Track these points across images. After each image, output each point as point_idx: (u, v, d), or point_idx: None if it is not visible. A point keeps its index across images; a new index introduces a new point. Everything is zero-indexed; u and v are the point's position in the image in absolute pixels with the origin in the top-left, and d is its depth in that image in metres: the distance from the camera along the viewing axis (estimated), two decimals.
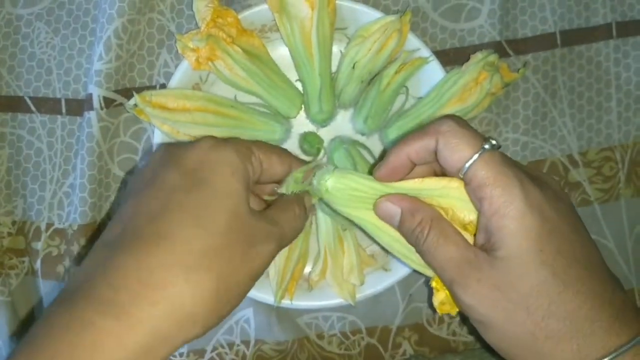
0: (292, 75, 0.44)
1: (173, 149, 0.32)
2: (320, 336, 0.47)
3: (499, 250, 0.29)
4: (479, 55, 0.42)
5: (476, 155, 0.30)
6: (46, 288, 0.46)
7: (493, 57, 0.42)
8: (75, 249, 0.45)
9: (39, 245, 0.46)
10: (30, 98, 0.47)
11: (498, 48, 0.46)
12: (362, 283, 0.44)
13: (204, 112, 0.42)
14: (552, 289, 0.29)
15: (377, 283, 0.45)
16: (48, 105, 0.47)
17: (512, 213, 0.29)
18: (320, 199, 0.37)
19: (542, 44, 0.46)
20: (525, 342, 0.29)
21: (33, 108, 0.47)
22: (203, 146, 0.31)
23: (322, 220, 0.44)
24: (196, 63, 0.42)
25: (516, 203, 0.29)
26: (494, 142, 0.30)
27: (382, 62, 0.43)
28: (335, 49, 0.44)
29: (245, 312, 0.47)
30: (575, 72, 0.47)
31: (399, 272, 0.45)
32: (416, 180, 0.33)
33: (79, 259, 0.45)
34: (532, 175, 0.31)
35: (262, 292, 0.44)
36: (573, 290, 0.29)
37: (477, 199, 0.31)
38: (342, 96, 0.44)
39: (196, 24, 0.43)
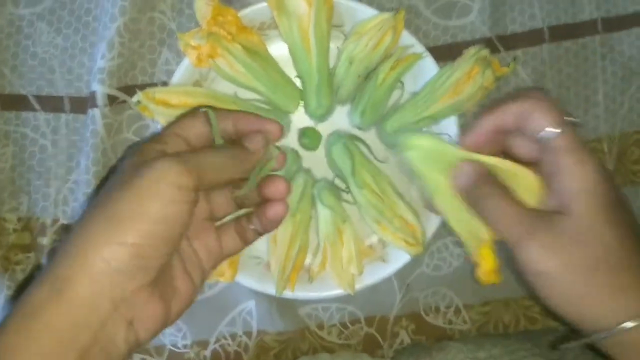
0: (291, 72, 0.46)
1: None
2: (320, 326, 0.48)
3: (572, 208, 0.33)
4: (471, 51, 0.44)
5: (560, 126, 0.33)
6: None
7: (485, 52, 0.44)
8: None
9: (44, 241, 0.47)
10: (33, 96, 0.48)
11: (489, 44, 0.47)
12: (361, 272, 0.45)
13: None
14: (616, 245, 0.32)
15: (375, 273, 0.46)
16: (52, 103, 0.47)
17: (589, 177, 0.33)
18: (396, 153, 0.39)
19: (531, 39, 0.48)
20: (581, 292, 0.32)
21: (37, 106, 0.48)
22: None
23: (322, 213, 0.46)
24: (197, 60, 0.43)
25: (592, 171, 0.33)
26: (578, 119, 0.35)
27: (377, 58, 0.44)
28: (332, 45, 0.45)
29: (248, 304, 0.48)
30: (563, 67, 0.49)
31: (396, 262, 0.46)
32: (495, 157, 0.36)
33: None
34: None
35: (263, 284, 0.45)
36: (632, 250, 0.33)
37: (554, 163, 0.34)
38: (340, 91, 0.45)
39: (196, 22, 0.44)
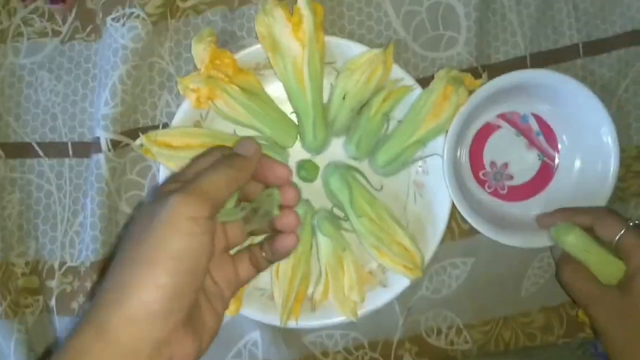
0: (287, 108, 0.47)
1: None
2: (325, 354, 0.49)
3: (633, 289, 0.42)
4: (441, 73, 0.46)
5: (623, 230, 0.43)
6: (62, 324, 0.48)
7: (454, 72, 0.46)
8: (89, 285, 0.47)
9: (53, 284, 0.48)
10: (37, 143, 0.49)
11: (475, 73, 0.49)
12: (363, 300, 0.47)
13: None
14: None
15: (376, 299, 0.47)
16: (55, 150, 0.49)
17: None
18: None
19: (515, 67, 0.50)
20: (629, 348, 0.42)
21: (41, 153, 0.49)
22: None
23: (322, 242, 0.47)
24: (197, 102, 0.45)
25: None
26: (637, 222, 0.44)
27: (370, 91, 0.46)
28: (326, 81, 0.47)
29: (253, 335, 0.49)
30: None
31: (397, 287, 0.47)
32: (592, 244, 0.45)
33: (93, 294, 0.47)
34: None
35: (268, 315, 0.46)
36: None
37: (626, 257, 0.43)
38: (335, 125, 0.47)
39: (194, 64, 0.46)
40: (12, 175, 0.49)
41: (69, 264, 0.48)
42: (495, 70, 0.50)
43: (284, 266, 0.46)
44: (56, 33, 0.49)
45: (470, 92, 0.46)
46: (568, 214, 0.47)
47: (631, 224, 0.44)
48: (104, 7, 0.48)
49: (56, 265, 0.48)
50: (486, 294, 0.50)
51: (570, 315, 0.51)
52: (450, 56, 0.49)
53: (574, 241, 0.44)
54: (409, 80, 0.47)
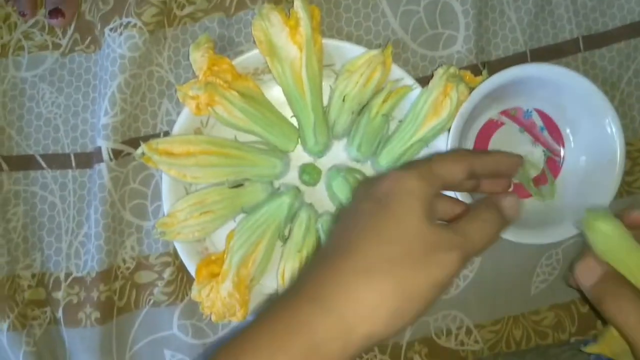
0: (287, 112, 0.47)
1: (366, 185, 0.37)
2: None
3: None
4: (440, 71, 0.45)
5: None
6: (69, 335, 0.48)
7: (453, 69, 0.45)
8: (95, 295, 0.47)
9: (59, 295, 0.48)
10: (40, 156, 0.49)
11: (475, 70, 0.49)
12: None
13: (208, 155, 0.44)
14: None
15: None
16: (58, 161, 0.49)
17: None
18: None
19: (515, 63, 0.49)
20: None
21: (44, 165, 0.49)
22: (390, 178, 0.35)
23: None
24: (197, 109, 0.45)
25: None
26: None
27: (369, 93, 0.46)
28: (325, 84, 0.47)
29: None
30: None
31: None
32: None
33: (100, 304, 0.47)
34: None
35: None
36: None
37: None
38: (335, 127, 0.47)
39: (193, 71, 0.46)
40: (16, 187, 0.49)
41: (74, 274, 0.48)
42: (495, 67, 0.49)
43: (290, 270, 0.46)
44: (56, 46, 0.50)
45: (471, 90, 0.46)
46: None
47: None
48: (102, 19, 0.48)
49: (62, 277, 0.48)
50: (495, 293, 0.49)
51: (581, 312, 0.50)
52: (450, 54, 0.49)
53: (608, 230, 0.38)
54: (408, 80, 0.46)
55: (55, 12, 0.48)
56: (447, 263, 0.33)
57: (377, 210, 0.34)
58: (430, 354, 0.49)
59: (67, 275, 0.48)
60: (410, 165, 0.36)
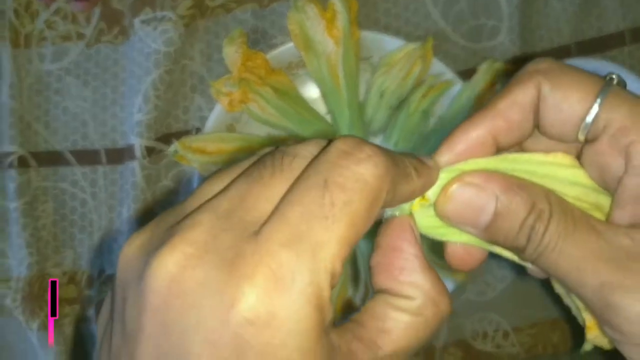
0: (321, 109, 0.46)
1: None
2: None
3: None
4: (484, 66, 0.44)
5: (602, 95, 0.21)
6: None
7: (498, 64, 0.44)
8: None
9: (92, 292, 0.47)
10: (69, 151, 0.48)
11: (519, 63, 0.47)
12: None
13: (241, 153, 0.43)
14: None
15: None
16: (88, 157, 0.48)
17: None
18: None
19: (559, 56, 0.48)
20: None
21: (73, 161, 0.48)
22: None
23: (361, 245, 0.46)
24: (229, 106, 0.43)
25: None
26: (614, 76, 0.22)
27: (408, 87, 0.44)
28: (361, 78, 0.45)
29: None
30: None
31: None
32: (496, 157, 0.22)
33: None
34: None
35: None
36: None
37: (620, 152, 0.21)
38: (372, 124, 0.45)
39: (225, 66, 0.44)
40: (45, 184, 0.48)
41: (107, 272, 0.48)
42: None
43: None
44: (80, 36, 0.48)
45: None
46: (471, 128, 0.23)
47: (611, 79, 0.22)
48: (132, 8, 0.46)
49: (95, 274, 0.48)
50: (532, 296, 0.48)
51: None
52: (493, 46, 0.47)
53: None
54: (449, 75, 0.45)
55: None
56: None
57: None
58: (465, 358, 0.48)
59: (101, 272, 0.48)
60: None
